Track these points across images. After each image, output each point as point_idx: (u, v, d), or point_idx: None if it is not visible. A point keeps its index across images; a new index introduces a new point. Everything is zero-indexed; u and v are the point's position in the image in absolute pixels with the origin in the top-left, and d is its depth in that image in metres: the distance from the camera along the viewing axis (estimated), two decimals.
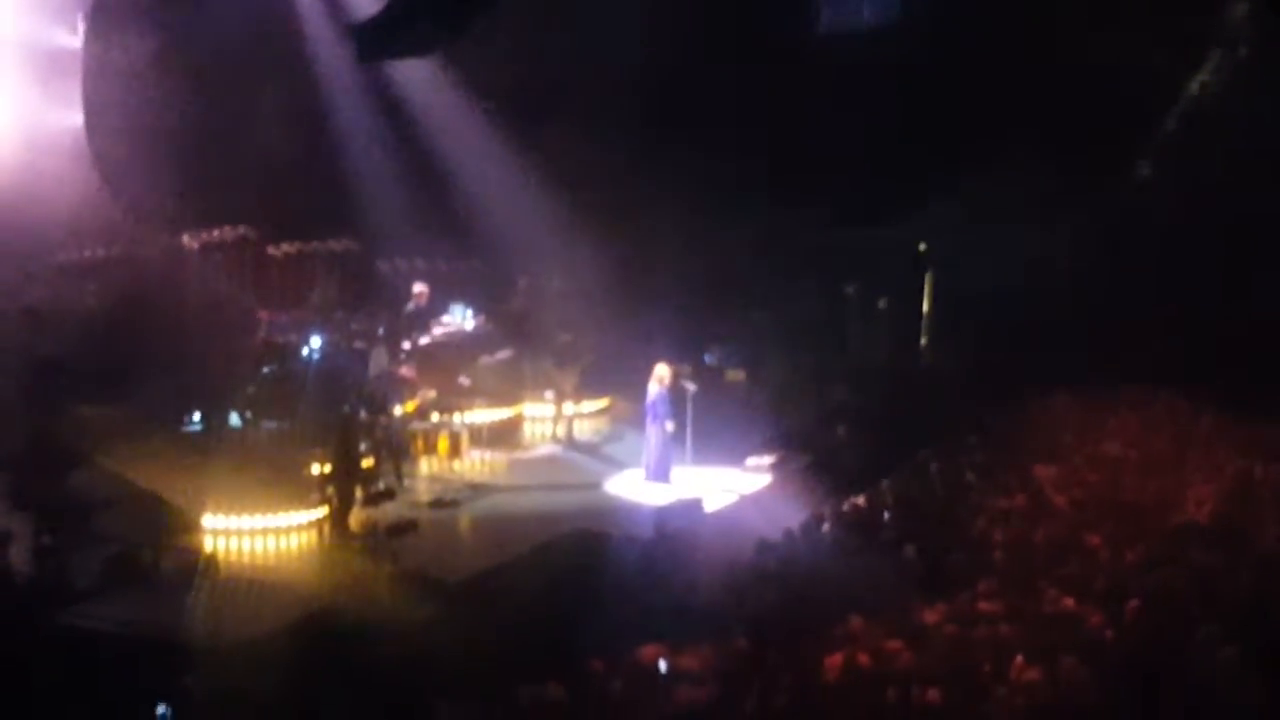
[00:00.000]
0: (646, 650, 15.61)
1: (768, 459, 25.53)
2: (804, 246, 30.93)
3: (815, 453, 26.18)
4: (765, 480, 24.96)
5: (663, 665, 15.43)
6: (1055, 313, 29.24)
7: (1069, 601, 16.26)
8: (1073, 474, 22.69)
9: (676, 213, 30.17)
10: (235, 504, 21.56)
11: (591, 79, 30.30)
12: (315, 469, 22.63)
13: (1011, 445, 24.64)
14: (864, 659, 15.08)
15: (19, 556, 19.44)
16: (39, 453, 20.72)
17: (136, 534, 20.77)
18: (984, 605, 16.65)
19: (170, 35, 27.70)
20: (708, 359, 29.54)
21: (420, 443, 25.49)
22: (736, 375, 29.98)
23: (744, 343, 30.39)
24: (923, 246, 31.99)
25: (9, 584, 19.11)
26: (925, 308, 31.82)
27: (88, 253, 26.50)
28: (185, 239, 26.61)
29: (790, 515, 21.79)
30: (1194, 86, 31.26)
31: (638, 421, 25.57)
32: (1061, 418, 25.94)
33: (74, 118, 26.68)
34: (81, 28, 26.91)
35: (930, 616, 16.43)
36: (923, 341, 31.88)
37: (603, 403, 28.48)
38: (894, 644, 15.42)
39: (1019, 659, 14.59)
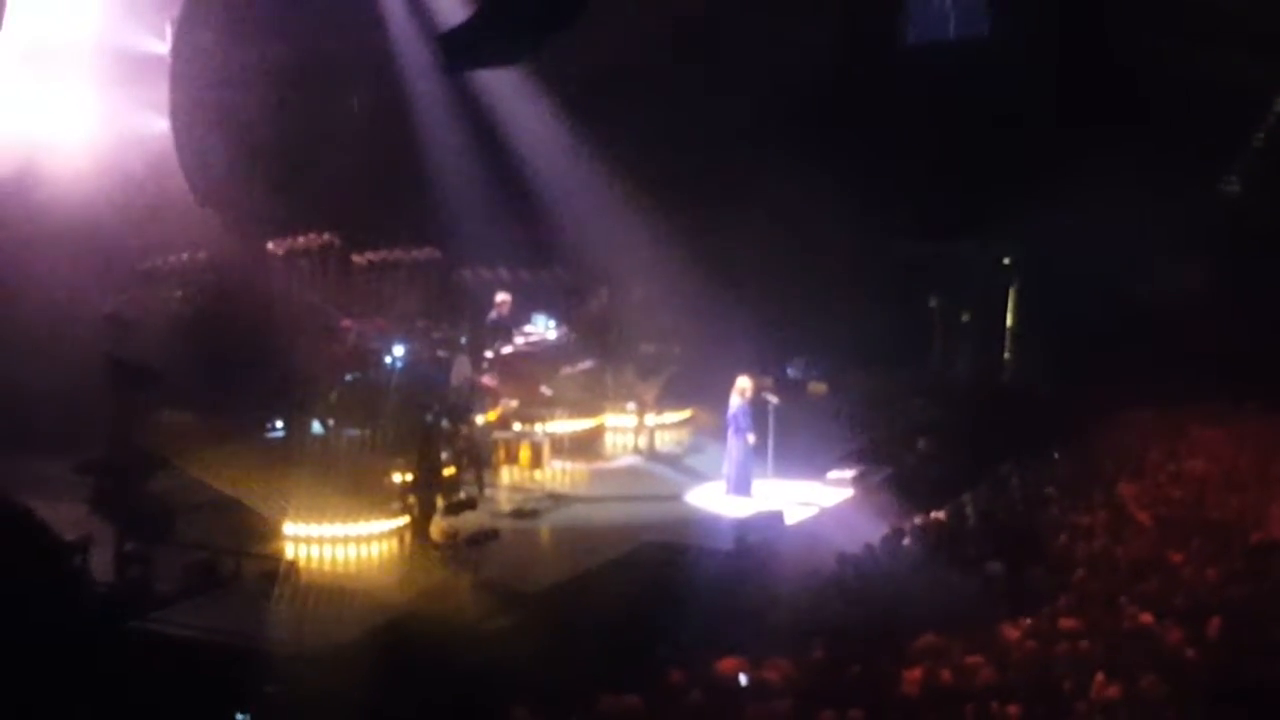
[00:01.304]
0: (725, 662, 15.58)
1: (849, 472, 25.42)
2: (889, 259, 30.86)
3: (896, 466, 26.08)
4: (846, 493, 24.84)
5: (741, 678, 15.39)
6: (1140, 328, 29.04)
7: (1150, 619, 16.14)
8: (1156, 490, 22.56)
9: (761, 223, 30.16)
10: (317, 511, 21.61)
11: (679, 92, 30.30)
12: (397, 477, 22.67)
13: (1094, 461, 24.51)
14: (943, 674, 15.02)
15: (102, 562, 19.58)
16: (122, 459, 20.82)
17: (218, 540, 20.88)
18: (1065, 622, 16.56)
19: (257, 41, 27.89)
20: (790, 371, 29.49)
21: (502, 452, 25.50)
22: (819, 388, 29.90)
23: (826, 356, 30.31)
24: (1007, 260, 31.85)
25: (92, 589, 19.26)
26: (1009, 321, 31.66)
27: (173, 258, 26.65)
28: (270, 245, 26.71)
29: (871, 529, 21.75)
30: None
31: (719, 434, 25.51)
32: (1145, 433, 25.76)
33: (161, 123, 26.85)
34: (169, 33, 27.08)
35: (1011, 632, 16.36)
36: (1006, 355, 31.73)
37: (684, 414, 28.40)
38: (974, 659, 15.37)
39: (1099, 676, 14.50)
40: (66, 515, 20.14)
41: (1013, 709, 13.98)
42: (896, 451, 26.85)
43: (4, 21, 24.15)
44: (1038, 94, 29.37)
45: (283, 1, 28.48)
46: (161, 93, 26.91)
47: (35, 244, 24.22)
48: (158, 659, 17.54)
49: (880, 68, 31.36)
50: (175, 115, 26.95)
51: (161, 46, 26.99)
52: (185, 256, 26.83)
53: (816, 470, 25.43)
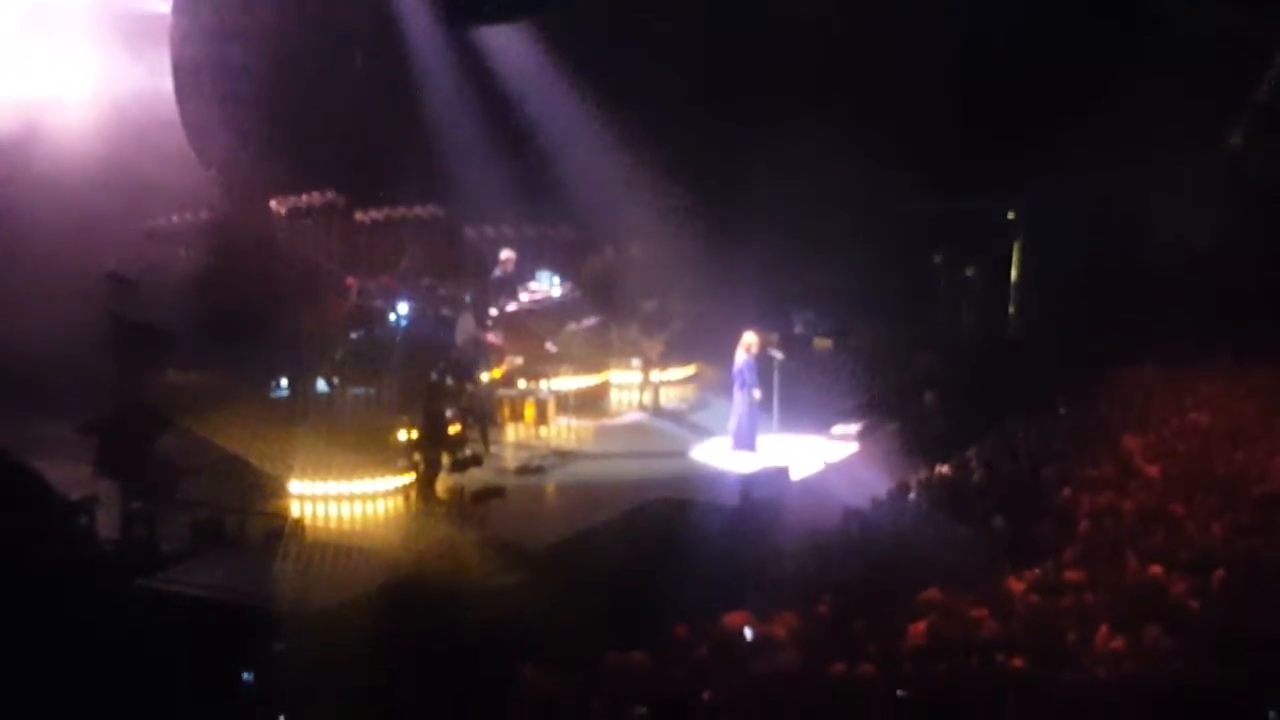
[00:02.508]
0: (731, 617, 15.59)
1: (854, 427, 25.43)
2: (895, 214, 30.78)
3: (902, 421, 26.08)
4: (852, 448, 24.87)
5: (748, 633, 15.41)
6: (1146, 282, 28.99)
7: (1155, 571, 16.14)
8: (1161, 444, 22.51)
9: (766, 178, 30.11)
10: (322, 470, 21.68)
11: (684, 46, 30.21)
12: (402, 435, 22.69)
13: (1099, 415, 24.49)
14: (948, 627, 15.03)
15: (108, 521, 19.62)
16: (128, 418, 20.85)
17: (224, 499, 20.93)
18: (1070, 574, 16.56)
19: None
20: (796, 327, 29.42)
21: (507, 409, 25.51)
22: (824, 343, 29.84)
23: (832, 311, 30.25)
24: (1012, 215, 31.78)
25: (98, 548, 19.31)
26: (1014, 276, 31.62)
27: (176, 218, 26.65)
28: (274, 204, 26.69)
29: (876, 483, 21.75)
30: None
31: (724, 389, 25.50)
32: (1150, 387, 25.73)
33: (163, 83, 26.79)
34: None
35: (1016, 585, 16.36)
36: (1011, 310, 31.69)
37: (689, 370, 28.40)
38: (979, 612, 15.37)
39: (1104, 628, 14.50)
40: (72, 475, 20.21)
41: (1017, 661, 14.00)
42: (902, 406, 26.83)
43: None
44: (1044, 49, 29.22)
45: None
46: (164, 52, 26.83)
47: (38, 204, 24.20)
48: (164, 617, 17.59)
49: (886, 20, 31.17)
50: (177, 74, 26.89)
51: (163, 6, 26.89)
52: (188, 215, 26.84)
53: (822, 425, 25.43)
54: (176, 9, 27.03)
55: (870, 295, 30.46)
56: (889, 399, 27.26)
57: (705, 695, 13.83)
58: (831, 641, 15.10)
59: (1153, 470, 20.77)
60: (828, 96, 30.03)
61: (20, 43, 24.92)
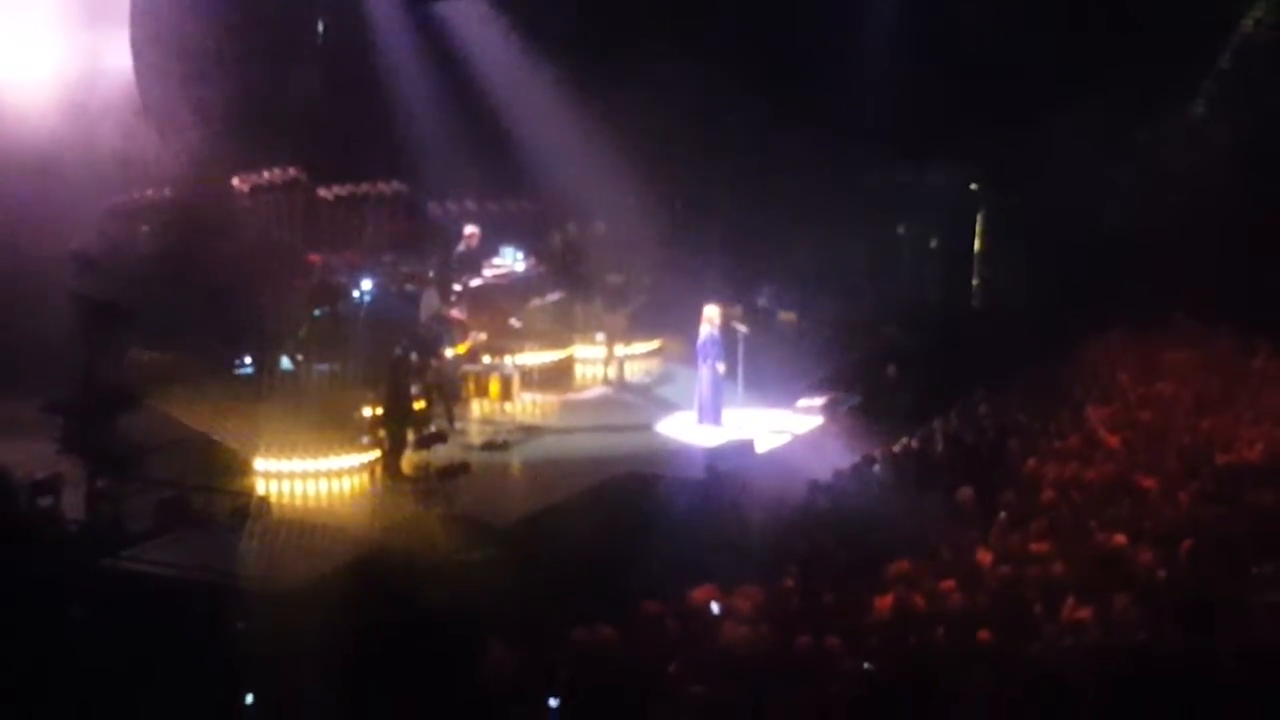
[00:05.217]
0: (698, 591, 15.62)
1: (819, 400, 25.47)
2: (857, 186, 30.83)
3: (867, 393, 26.12)
4: (816, 421, 24.89)
5: (714, 606, 15.43)
6: (1109, 252, 29.09)
7: (1121, 540, 16.21)
8: (1125, 414, 22.62)
9: (729, 151, 30.11)
10: (287, 447, 21.63)
11: (643, 18, 30.16)
12: (366, 412, 22.68)
13: (1063, 385, 24.57)
14: (915, 599, 15.08)
15: (73, 501, 19.56)
16: (91, 397, 20.77)
17: (189, 477, 20.88)
18: (1035, 545, 16.62)
19: None
20: (759, 300, 29.44)
21: (471, 385, 25.47)
22: (788, 316, 29.87)
23: (795, 283, 30.28)
24: (974, 185, 31.84)
25: (63, 528, 19.25)
26: (977, 247, 31.69)
27: (139, 195, 26.50)
28: (235, 181, 26.57)
29: (841, 456, 21.80)
30: (1248, 23, 30.97)
31: (689, 363, 25.54)
32: (1114, 357, 25.83)
33: (123, 60, 26.60)
34: None
35: (982, 557, 16.42)
36: (974, 281, 31.77)
37: (654, 344, 28.41)
38: (945, 584, 15.42)
39: (1070, 599, 14.56)
40: (37, 454, 20.14)
41: (984, 633, 14.04)
42: (866, 378, 26.89)
43: None
44: (1002, 17, 29.24)
45: None
46: (124, 30, 26.65)
47: None
48: (130, 596, 17.54)
49: None
50: (137, 51, 26.71)
51: None
52: (151, 193, 26.70)
53: (787, 398, 25.49)
54: None
55: (834, 268, 30.53)
56: (853, 372, 27.32)
57: (671, 669, 13.85)
58: (797, 615, 15.15)
59: (1117, 440, 20.86)
60: (788, 66, 30.04)
61: None
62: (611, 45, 29.91)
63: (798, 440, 24.13)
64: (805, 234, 30.48)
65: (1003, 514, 17.84)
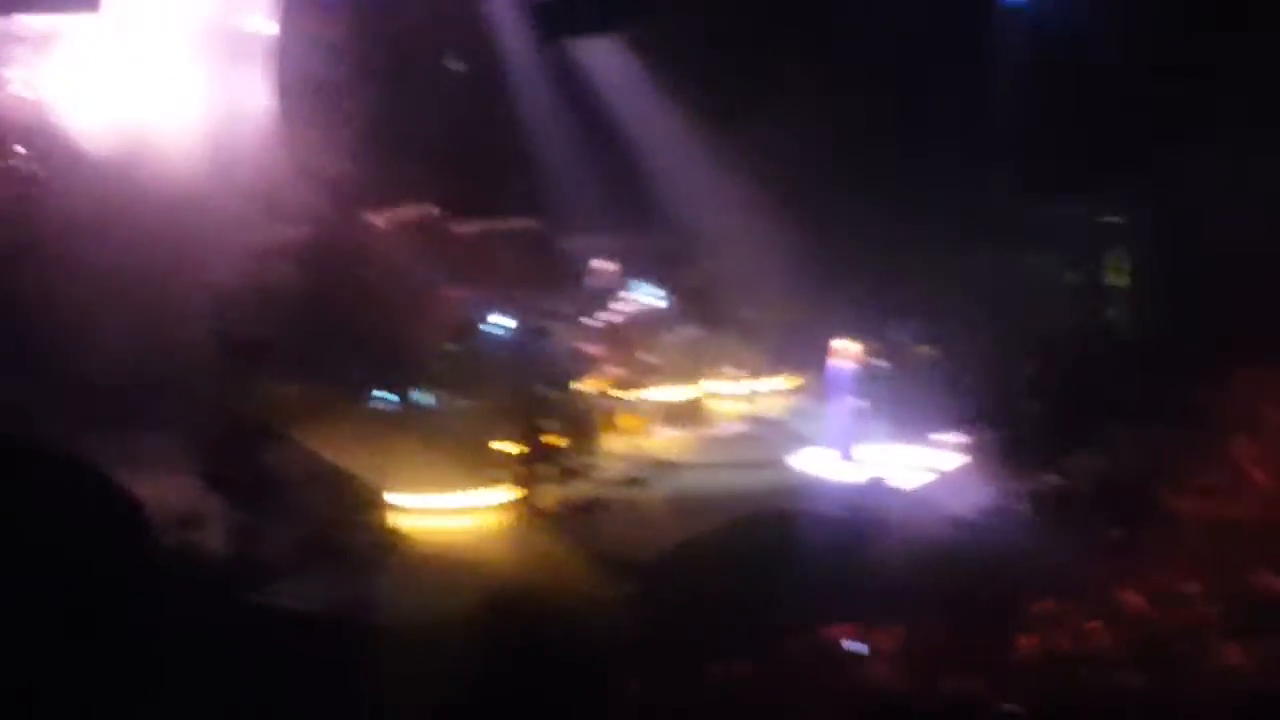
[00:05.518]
0: (838, 629, 15.50)
1: (958, 435, 25.22)
2: (994, 217, 30.56)
3: (1007, 428, 25.81)
4: (955, 457, 24.65)
5: (854, 645, 15.30)
6: (1253, 282, 28.59)
7: (1274, 582, 15.91)
8: (1275, 450, 22.21)
9: (860, 186, 29.94)
10: (424, 482, 21.69)
11: (776, 56, 30.09)
12: (503, 447, 22.70)
13: (1209, 420, 24.16)
14: (1060, 640, 14.88)
15: (213, 535, 19.70)
16: (232, 432, 20.96)
17: (328, 512, 20.96)
18: (1183, 585, 16.35)
19: (357, 16, 27.88)
20: (895, 334, 29.22)
21: (607, 421, 25.44)
22: (925, 350, 29.64)
23: (932, 317, 30.02)
24: (1109, 217, 31.47)
25: (203, 563, 19.38)
26: (1118, 280, 31.29)
27: (277, 233, 26.76)
28: (373, 217, 26.80)
29: (981, 492, 21.58)
30: None
31: (825, 398, 25.39)
32: (1262, 391, 25.36)
33: (262, 100, 26.90)
34: (274, 12, 27.11)
35: (1129, 597, 16.17)
36: (1116, 314, 31.36)
37: (790, 380, 28.26)
38: (1091, 624, 15.20)
39: (1222, 641, 14.31)
40: (178, 489, 20.31)
41: (1132, 675, 13.82)
42: (1007, 413, 26.57)
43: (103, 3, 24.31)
44: (1143, 48, 28.91)
45: None
46: (268, 71, 26.97)
47: (145, 223, 24.34)
48: (271, 633, 17.62)
49: (981, 16, 30.95)
50: (279, 92, 27.02)
51: (270, 25, 27.04)
52: (290, 230, 26.96)
53: (924, 434, 25.24)
54: (280, 28, 27.13)
55: (973, 301, 30.23)
56: (993, 406, 27.00)
57: (811, 708, 13.74)
58: (939, 655, 14.99)
59: (1267, 477, 20.50)
60: (924, 99, 29.87)
61: (127, 66, 25.06)
62: (744, 78, 29.86)
63: (936, 476, 23.90)
64: (940, 266, 30.22)
65: (1149, 553, 17.57)
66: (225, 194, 25.05)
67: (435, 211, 27.93)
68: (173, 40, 25.32)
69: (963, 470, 24.05)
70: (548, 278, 28.73)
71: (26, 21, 24.12)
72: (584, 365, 25.75)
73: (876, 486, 22.70)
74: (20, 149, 24.09)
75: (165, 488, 20.07)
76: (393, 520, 21.17)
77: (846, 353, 24.74)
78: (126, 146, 24.47)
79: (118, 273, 23.78)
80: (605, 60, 29.98)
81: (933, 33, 30.42)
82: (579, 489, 22.18)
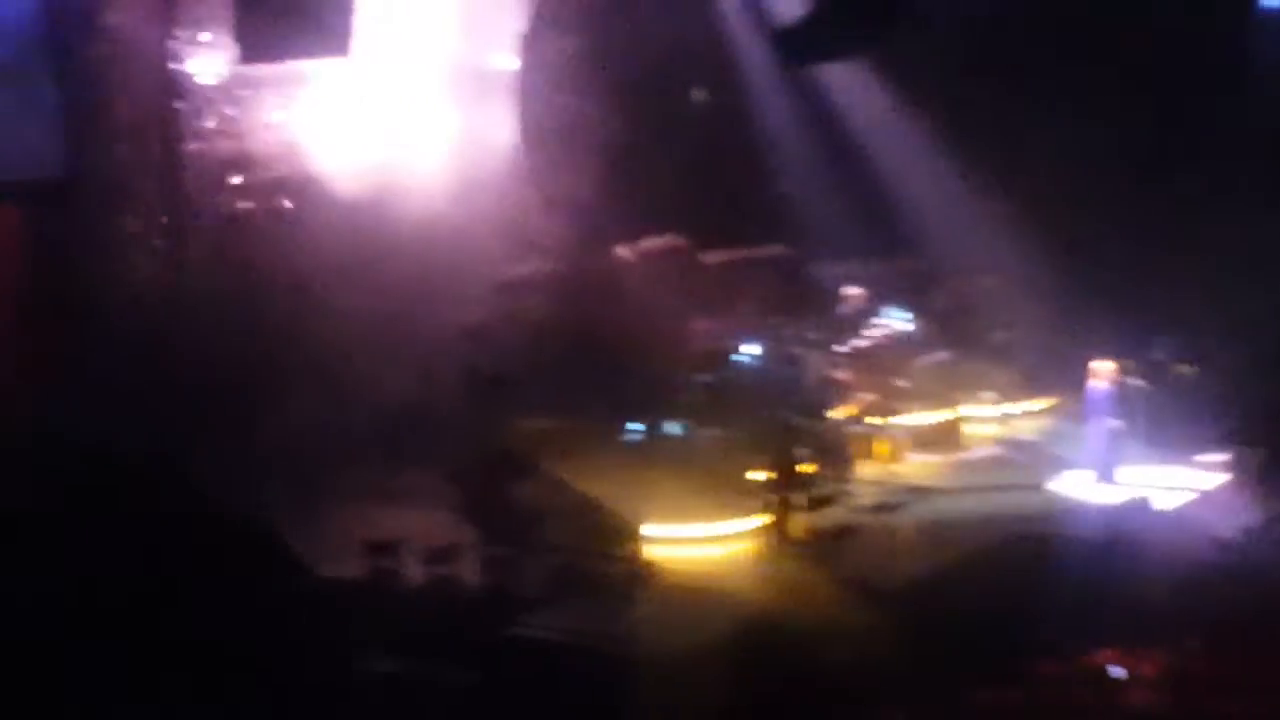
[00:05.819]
0: (1099, 654, 15.24)
1: (1220, 455, 24.66)
2: (1255, 233, 29.89)
3: (1271, 447, 25.18)
4: (1218, 477, 24.11)
5: (1116, 670, 15.04)
6: None
7: None
8: None
9: (1114, 201, 29.48)
10: (676, 512, 21.76)
11: (1023, 70, 29.78)
12: (755, 476, 22.69)
13: None
14: None
15: (469, 568, 19.96)
16: (487, 466, 21.27)
17: (581, 543, 21.11)
18: None
19: (597, 47, 28.14)
20: (1153, 353, 28.71)
21: (859, 447, 25.30)
22: (1186, 369, 29.06)
23: (1191, 335, 29.44)
24: None
25: (461, 595, 19.65)
26: None
27: (527, 267, 27.08)
28: (621, 250, 27.04)
29: (1247, 513, 21.09)
30: None
31: (1081, 420, 25.00)
32: None
33: (508, 135, 27.25)
34: (517, 48, 27.46)
35: None
36: None
37: (1044, 401, 27.86)
38: None
39: None
40: (434, 523, 20.65)
41: None
42: (1270, 431, 25.92)
43: (352, 47, 24.79)
44: None
45: (620, 3, 28.70)
46: (511, 106, 27.33)
47: (393, 261, 24.78)
48: (529, 664, 17.79)
49: (1236, 31, 30.35)
50: (524, 127, 27.36)
51: (512, 61, 27.40)
52: (538, 265, 27.26)
53: (1186, 454, 24.72)
54: (524, 63, 27.47)
55: (1233, 318, 29.56)
56: (1257, 424, 26.36)
57: None
58: (1204, 681, 14.66)
59: None
60: (1176, 111, 29.36)
61: (376, 106, 25.56)
62: (991, 100, 29.54)
63: (1199, 497, 23.39)
64: (1198, 283, 29.63)
65: None
66: (474, 229, 25.43)
67: (683, 241, 28.05)
68: (420, 80, 25.75)
69: (1224, 489, 23.51)
70: (797, 305, 28.70)
71: (279, 68, 24.64)
72: (836, 392, 25.64)
73: (1136, 508, 22.28)
74: (278, 191, 24.63)
75: (422, 521, 20.53)
76: (646, 550, 21.25)
77: (1104, 372, 24.33)
78: (378, 186, 24.92)
79: (373, 311, 24.25)
80: (849, 84, 29.88)
81: (1191, 49, 29.94)
82: (831, 516, 22.09)
